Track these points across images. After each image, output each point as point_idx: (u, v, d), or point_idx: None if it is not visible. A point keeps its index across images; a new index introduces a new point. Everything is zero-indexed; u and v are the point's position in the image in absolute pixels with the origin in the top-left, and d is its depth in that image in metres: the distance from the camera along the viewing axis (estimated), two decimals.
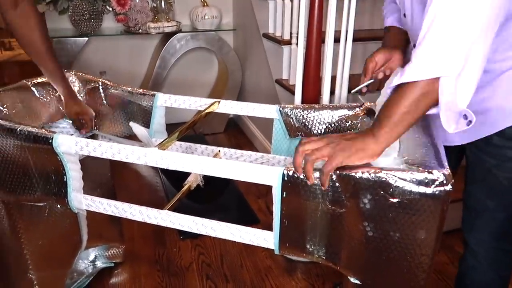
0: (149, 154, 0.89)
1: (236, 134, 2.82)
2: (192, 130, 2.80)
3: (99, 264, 1.57)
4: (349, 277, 0.83)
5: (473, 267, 1.04)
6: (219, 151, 1.27)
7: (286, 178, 0.78)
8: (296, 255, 0.86)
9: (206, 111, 1.20)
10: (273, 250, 1.70)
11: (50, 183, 1.01)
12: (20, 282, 1.21)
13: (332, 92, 1.70)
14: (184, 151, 1.32)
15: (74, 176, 0.99)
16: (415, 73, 0.70)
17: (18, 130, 0.96)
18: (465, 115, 0.71)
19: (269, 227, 1.83)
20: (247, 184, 2.17)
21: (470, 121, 0.71)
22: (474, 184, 0.98)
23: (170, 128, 1.32)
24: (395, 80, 0.73)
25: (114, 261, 1.59)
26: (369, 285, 0.82)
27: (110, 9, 2.32)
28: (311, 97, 1.62)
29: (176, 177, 1.08)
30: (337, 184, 0.75)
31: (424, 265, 0.76)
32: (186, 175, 1.09)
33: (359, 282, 0.82)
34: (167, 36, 2.48)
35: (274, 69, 2.13)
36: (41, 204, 1.08)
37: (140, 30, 2.40)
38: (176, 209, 0.99)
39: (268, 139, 2.46)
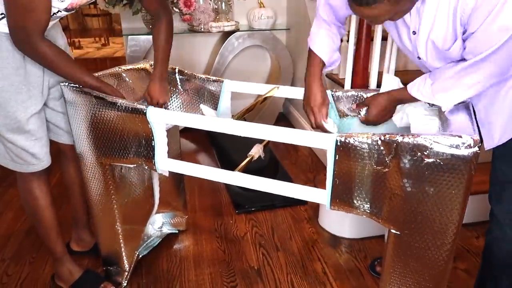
0: (226, 124, 1.09)
1: (285, 127, 2.99)
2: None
3: (165, 229, 1.81)
4: (389, 229, 0.99)
5: (501, 238, 1.13)
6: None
7: (339, 143, 0.94)
8: (344, 210, 1.02)
9: (268, 94, 1.39)
10: (319, 226, 1.89)
11: (141, 147, 1.24)
12: (109, 232, 1.46)
13: (379, 85, 1.84)
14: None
15: (160, 142, 1.21)
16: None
17: (119, 103, 1.20)
18: None
19: (316, 208, 2.00)
20: (296, 171, 2.36)
21: None
22: (499, 158, 1.09)
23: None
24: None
25: (178, 229, 1.82)
26: (406, 236, 0.97)
27: (177, 10, 2.58)
28: (360, 88, 1.78)
29: (233, 164, 1.24)
30: (381, 148, 0.91)
31: (454, 220, 0.90)
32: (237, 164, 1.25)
33: (398, 233, 0.97)
34: (226, 34, 2.72)
35: None
36: (132, 165, 1.32)
37: (203, 29, 2.64)
38: None
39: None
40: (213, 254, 1.70)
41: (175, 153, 1.67)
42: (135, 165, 1.31)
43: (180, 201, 1.82)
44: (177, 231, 1.82)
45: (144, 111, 1.16)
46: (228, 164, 2.36)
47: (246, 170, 1.17)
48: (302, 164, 2.46)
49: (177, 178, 1.74)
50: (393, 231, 0.98)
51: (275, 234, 1.82)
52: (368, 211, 1.00)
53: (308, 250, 1.72)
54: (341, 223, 1.79)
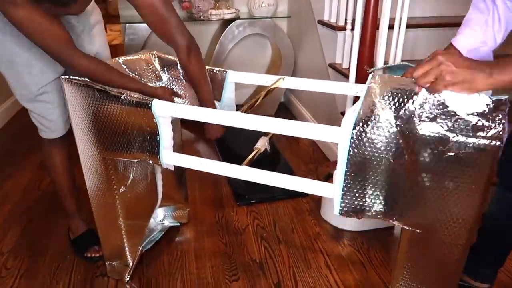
0: (234, 117, 1.06)
1: (286, 117, 2.97)
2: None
3: (167, 222, 1.79)
4: (404, 226, 0.96)
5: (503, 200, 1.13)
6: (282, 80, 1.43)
7: (354, 137, 0.90)
8: (355, 213, 0.99)
9: (274, 86, 1.36)
10: (321, 218, 1.86)
11: (145, 141, 1.21)
12: (111, 228, 1.43)
13: None
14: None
15: (166, 136, 1.18)
16: None
17: (122, 97, 1.16)
18: None
19: (318, 201, 1.99)
20: (297, 162, 2.34)
21: None
22: None
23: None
24: None
25: (179, 221, 1.81)
26: (422, 233, 0.94)
27: None
28: (364, 79, 1.75)
29: (232, 155, 1.22)
30: (400, 141, 0.88)
31: (472, 214, 0.88)
32: (240, 156, 1.23)
33: (413, 230, 0.95)
34: (226, 22, 2.66)
35: (328, 54, 2.26)
36: (136, 160, 1.29)
37: (202, 17, 2.59)
38: None
39: (318, 120, 2.60)
40: (215, 247, 1.69)
41: (177, 146, 1.64)
42: (138, 160, 1.28)
43: (182, 193, 1.80)
44: (178, 224, 1.81)
45: (149, 105, 1.13)
46: (228, 153, 2.34)
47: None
48: (303, 155, 2.44)
49: (178, 171, 1.72)
50: (408, 228, 0.96)
51: (276, 227, 1.81)
52: (382, 210, 0.97)
53: (310, 243, 1.71)
54: None
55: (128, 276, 1.51)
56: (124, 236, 1.45)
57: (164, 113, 1.14)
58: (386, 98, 0.90)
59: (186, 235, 1.77)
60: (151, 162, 1.24)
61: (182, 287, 1.49)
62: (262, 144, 1.27)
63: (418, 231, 0.95)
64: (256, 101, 1.30)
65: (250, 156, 1.20)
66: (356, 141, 0.90)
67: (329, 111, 2.33)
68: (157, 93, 1.32)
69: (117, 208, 1.39)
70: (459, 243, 0.91)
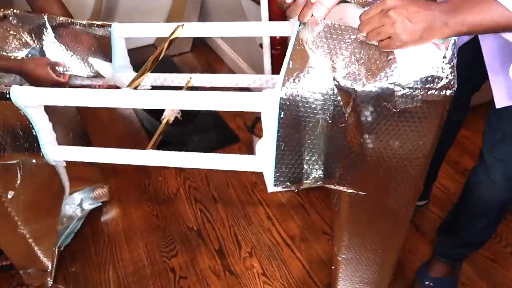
0: (122, 96, 0.83)
1: (204, 52, 2.69)
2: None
3: (87, 206, 1.57)
4: (346, 190, 0.85)
5: (484, 183, 1.03)
6: (190, 78, 1.21)
7: (283, 101, 0.72)
8: (292, 183, 0.85)
9: (172, 37, 1.11)
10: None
11: (19, 139, 0.95)
12: (13, 239, 1.20)
13: None
14: (153, 83, 1.26)
15: (43, 128, 0.93)
16: None
17: None
18: None
19: (249, 145, 1.83)
20: (230, 116, 2.14)
21: None
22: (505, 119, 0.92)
23: (131, 54, 1.24)
24: None
25: (101, 201, 1.60)
26: (365, 195, 0.84)
27: None
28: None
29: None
30: (338, 98, 0.72)
31: (422, 168, 0.78)
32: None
33: (358, 192, 0.83)
34: None
35: None
36: (14, 161, 1.03)
37: None
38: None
39: (238, 53, 2.37)
40: (146, 222, 1.52)
41: (74, 123, 1.38)
42: (18, 161, 1.03)
43: (95, 171, 1.57)
44: (100, 204, 1.59)
45: (7, 94, 0.86)
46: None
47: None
48: None
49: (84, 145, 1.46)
50: (349, 191, 0.85)
51: (210, 184, 1.67)
52: (322, 177, 0.84)
53: (248, 195, 1.60)
54: None
55: (51, 280, 1.33)
56: (31, 243, 1.23)
57: (32, 102, 0.87)
58: (320, 45, 0.71)
59: (111, 215, 1.58)
60: (34, 161, 0.99)
61: (116, 278, 1.34)
62: (170, 113, 1.06)
63: (361, 193, 0.83)
64: (153, 61, 1.05)
65: (157, 134, 1.00)
66: (287, 102, 0.72)
67: (248, 41, 2.10)
68: (27, 68, 1.04)
69: (12, 216, 1.15)
70: (407, 197, 0.82)
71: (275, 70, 1.62)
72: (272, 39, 1.61)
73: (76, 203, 1.55)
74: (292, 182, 0.85)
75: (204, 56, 2.66)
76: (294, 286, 1.28)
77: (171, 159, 0.91)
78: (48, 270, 1.31)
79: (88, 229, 1.51)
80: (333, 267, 1.07)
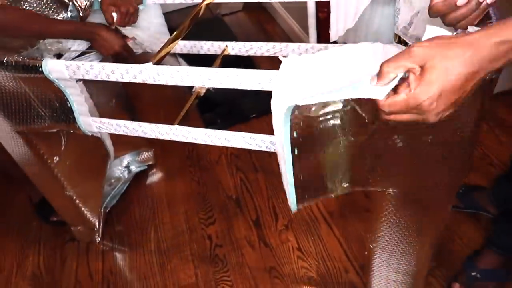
0: (145, 72, 0.81)
1: (256, 10, 2.59)
2: (209, 11, 2.59)
3: (133, 168, 1.62)
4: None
5: None
6: (226, 46, 1.16)
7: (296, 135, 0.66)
8: (317, 197, 0.80)
9: (205, 2, 1.06)
10: None
11: (56, 110, 0.98)
12: (62, 200, 1.28)
13: None
14: (190, 51, 1.23)
15: (77, 100, 0.94)
16: None
17: (4, 61, 0.90)
18: None
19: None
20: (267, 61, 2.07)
21: None
22: None
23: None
24: None
25: (147, 164, 1.64)
26: (400, 193, 0.76)
27: None
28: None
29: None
30: (363, 114, 0.65)
31: (461, 156, 0.69)
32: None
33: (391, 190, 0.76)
34: None
35: None
36: (55, 130, 1.07)
37: None
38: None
39: (290, 13, 2.25)
40: (187, 188, 1.55)
41: (117, 89, 1.40)
42: (58, 130, 1.06)
43: None
44: (146, 167, 1.64)
45: (39, 67, 0.87)
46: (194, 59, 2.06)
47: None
48: None
49: (128, 111, 1.49)
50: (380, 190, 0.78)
51: (252, 153, 1.64)
52: (350, 187, 0.78)
53: None
54: None
55: (99, 237, 1.41)
56: (78, 203, 1.30)
57: (63, 74, 0.88)
58: None
59: (155, 179, 1.63)
60: (72, 131, 1.02)
61: (156, 241, 1.40)
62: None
63: (394, 190, 0.76)
64: (181, 33, 1.00)
65: (186, 107, 0.98)
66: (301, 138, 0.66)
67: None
68: (100, 32, 1.02)
69: (59, 179, 1.22)
70: (442, 195, 0.74)
71: (322, 35, 1.51)
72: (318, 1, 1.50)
73: (124, 165, 1.61)
74: (317, 197, 0.80)
75: (257, 15, 2.56)
76: (329, 264, 1.25)
77: (197, 135, 0.89)
78: (95, 229, 1.39)
79: (133, 191, 1.57)
80: (365, 252, 1.02)
